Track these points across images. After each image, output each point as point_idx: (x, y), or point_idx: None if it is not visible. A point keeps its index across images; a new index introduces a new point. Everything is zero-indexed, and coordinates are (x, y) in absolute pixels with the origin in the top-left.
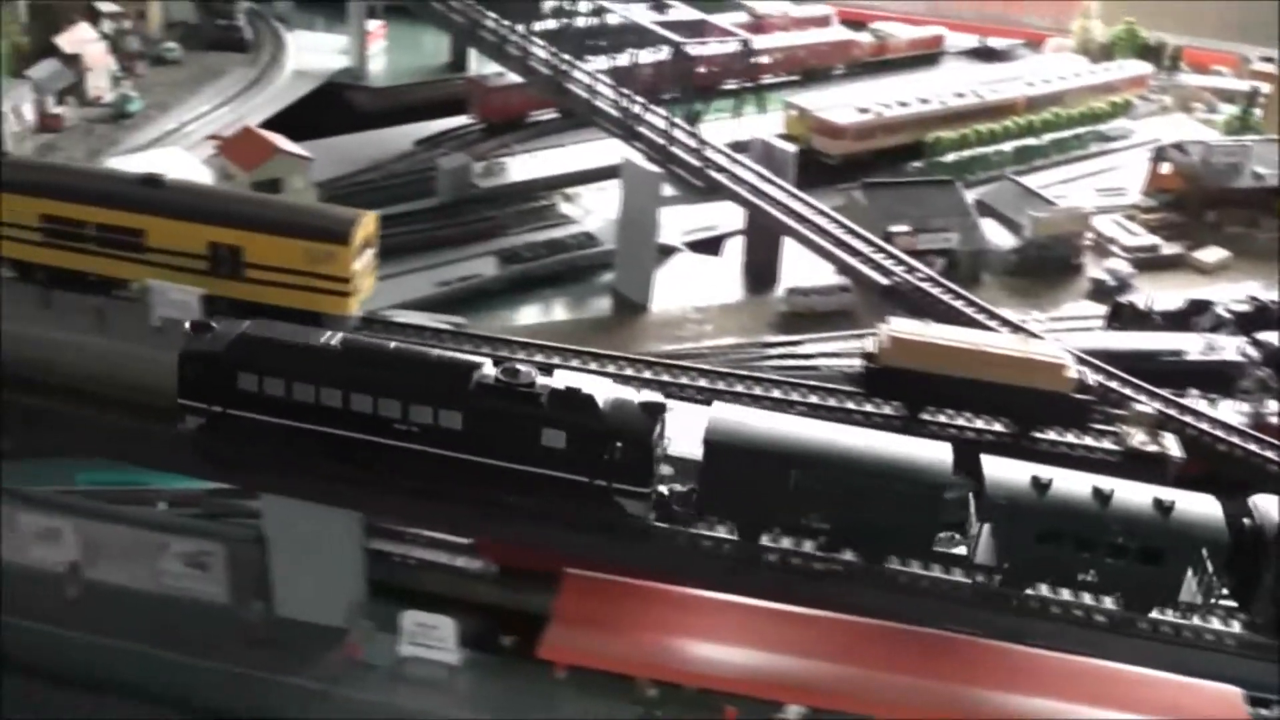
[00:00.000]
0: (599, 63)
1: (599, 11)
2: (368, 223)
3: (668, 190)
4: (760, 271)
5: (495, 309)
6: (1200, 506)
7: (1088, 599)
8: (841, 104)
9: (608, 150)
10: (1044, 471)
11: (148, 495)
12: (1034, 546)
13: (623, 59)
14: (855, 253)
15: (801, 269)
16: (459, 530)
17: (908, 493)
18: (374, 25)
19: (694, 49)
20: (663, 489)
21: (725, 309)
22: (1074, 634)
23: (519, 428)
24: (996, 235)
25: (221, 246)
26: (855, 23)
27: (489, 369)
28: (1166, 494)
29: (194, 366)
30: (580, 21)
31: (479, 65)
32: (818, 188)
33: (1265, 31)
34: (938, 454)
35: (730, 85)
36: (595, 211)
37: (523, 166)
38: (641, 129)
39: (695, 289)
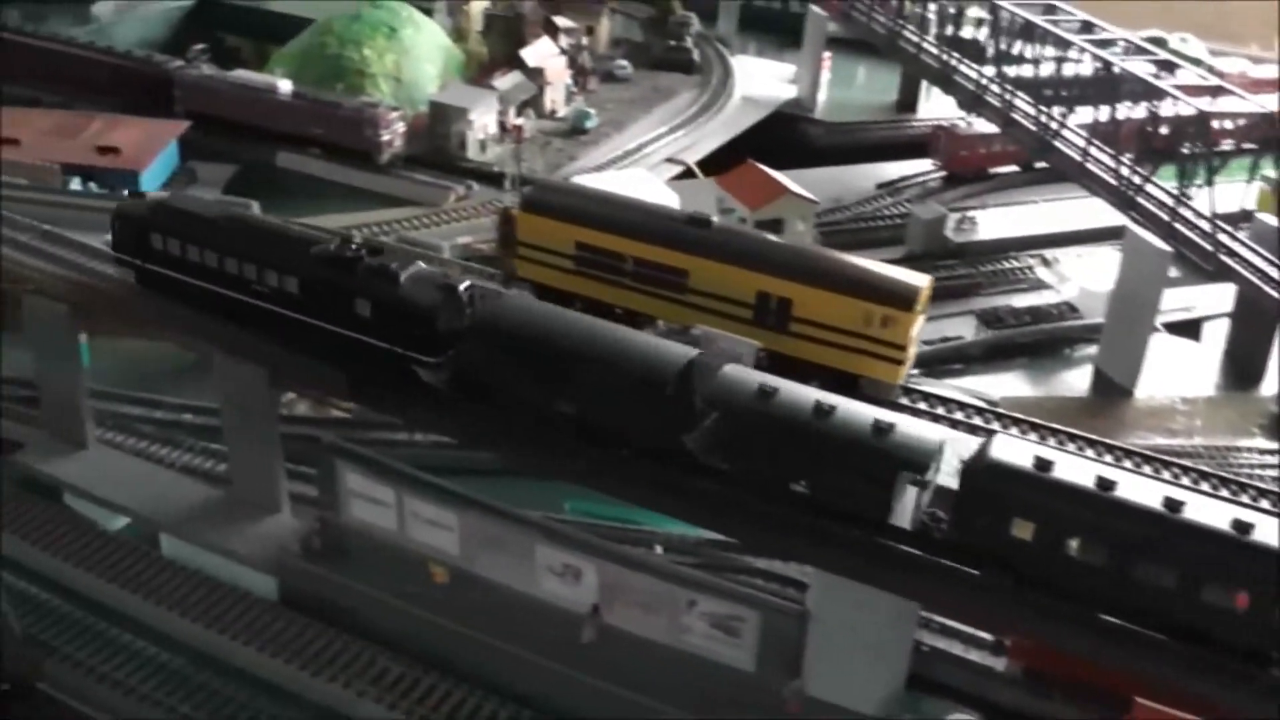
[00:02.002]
0: (1083, 117)
1: (1106, 68)
2: (927, 289)
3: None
4: (1245, 364)
5: (971, 373)
6: (924, 433)
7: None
8: None
9: (1087, 212)
10: (773, 381)
11: (642, 535)
12: (754, 452)
13: (1123, 117)
14: None
15: None
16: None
17: (638, 387)
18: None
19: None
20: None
21: (1210, 402)
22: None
23: (338, 295)
24: None
25: (770, 297)
26: None
27: (330, 246)
28: (891, 417)
29: (122, 225)
30: (1070, 72)
31: (930, 105)
32: None
33: None
34: (681, 354)
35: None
36: (1073, 279)
37: (994, 222)
38: (1142, 199)
39: (1174, 376)
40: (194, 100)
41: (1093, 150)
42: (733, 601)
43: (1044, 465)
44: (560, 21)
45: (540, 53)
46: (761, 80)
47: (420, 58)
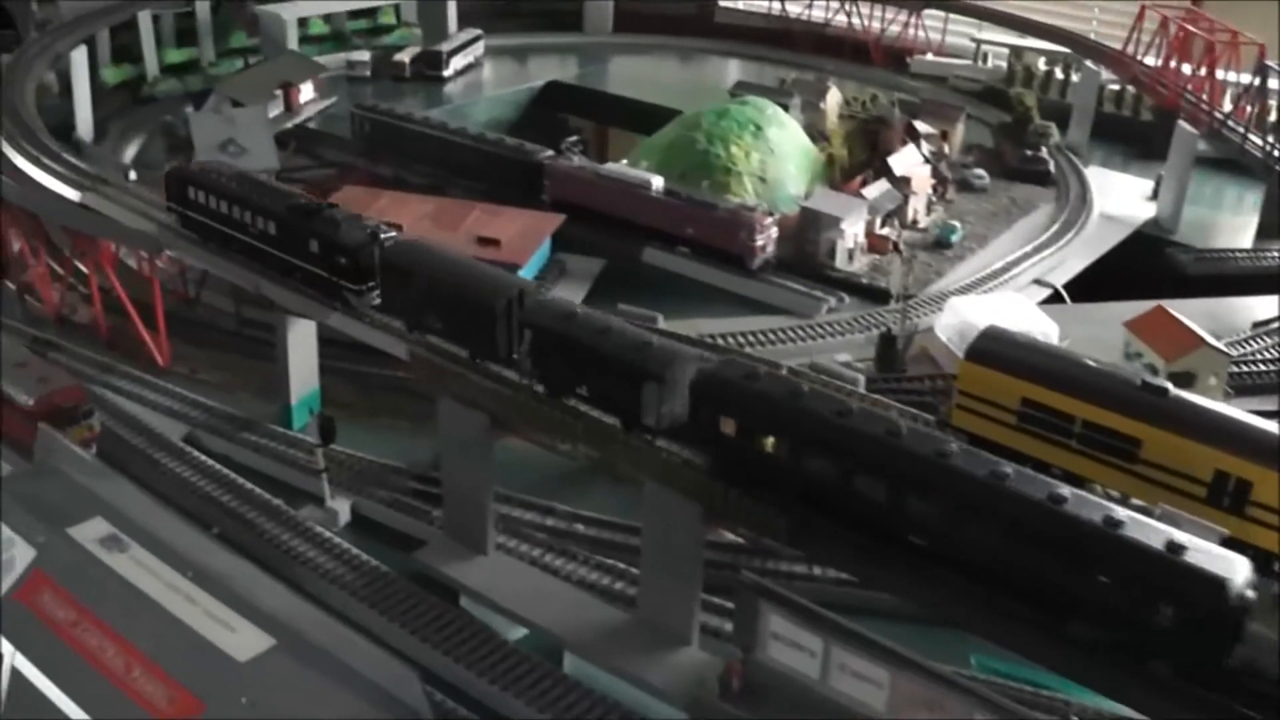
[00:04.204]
0: None
1: None
2: None
3: None
4: None
5: None
6: (674, 350)
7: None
8: None
9: None
10: (572, 308)
11: (1055, 704)
12: (553, 362)
13: None
14: None
15: None
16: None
17: (477, 309)
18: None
19: None
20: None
21: None
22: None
23: (299, 235)
24: None
25: (1229, 477)
26: None
27: (300, 200)
28: (652, 338)
29: (172, 181)
30: None
31: None
32: None
33: None
34: (513, 284)
35: None
36: None
37: None
38: None
39: None
40: (563, 190)
41: None
42: None
43: (751, 377)
44: (920, 126)
45: (907, 160)
46: (1118, 196)
47: (784, 157)
